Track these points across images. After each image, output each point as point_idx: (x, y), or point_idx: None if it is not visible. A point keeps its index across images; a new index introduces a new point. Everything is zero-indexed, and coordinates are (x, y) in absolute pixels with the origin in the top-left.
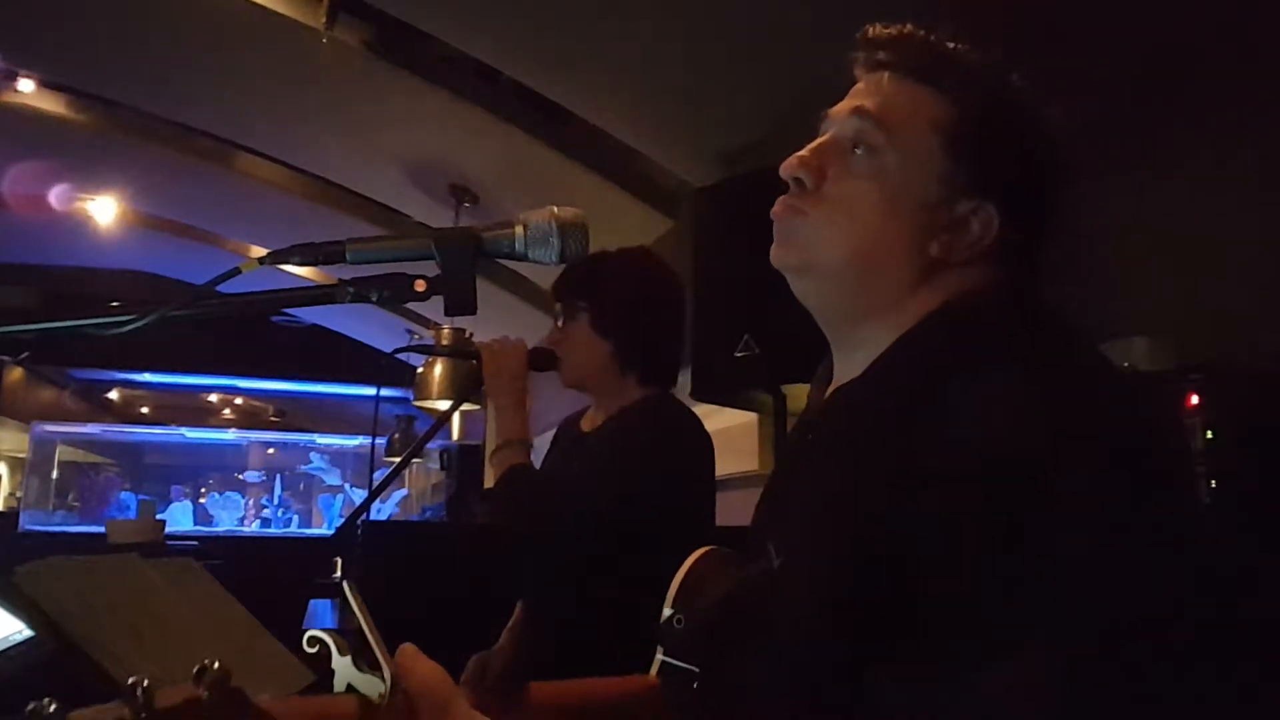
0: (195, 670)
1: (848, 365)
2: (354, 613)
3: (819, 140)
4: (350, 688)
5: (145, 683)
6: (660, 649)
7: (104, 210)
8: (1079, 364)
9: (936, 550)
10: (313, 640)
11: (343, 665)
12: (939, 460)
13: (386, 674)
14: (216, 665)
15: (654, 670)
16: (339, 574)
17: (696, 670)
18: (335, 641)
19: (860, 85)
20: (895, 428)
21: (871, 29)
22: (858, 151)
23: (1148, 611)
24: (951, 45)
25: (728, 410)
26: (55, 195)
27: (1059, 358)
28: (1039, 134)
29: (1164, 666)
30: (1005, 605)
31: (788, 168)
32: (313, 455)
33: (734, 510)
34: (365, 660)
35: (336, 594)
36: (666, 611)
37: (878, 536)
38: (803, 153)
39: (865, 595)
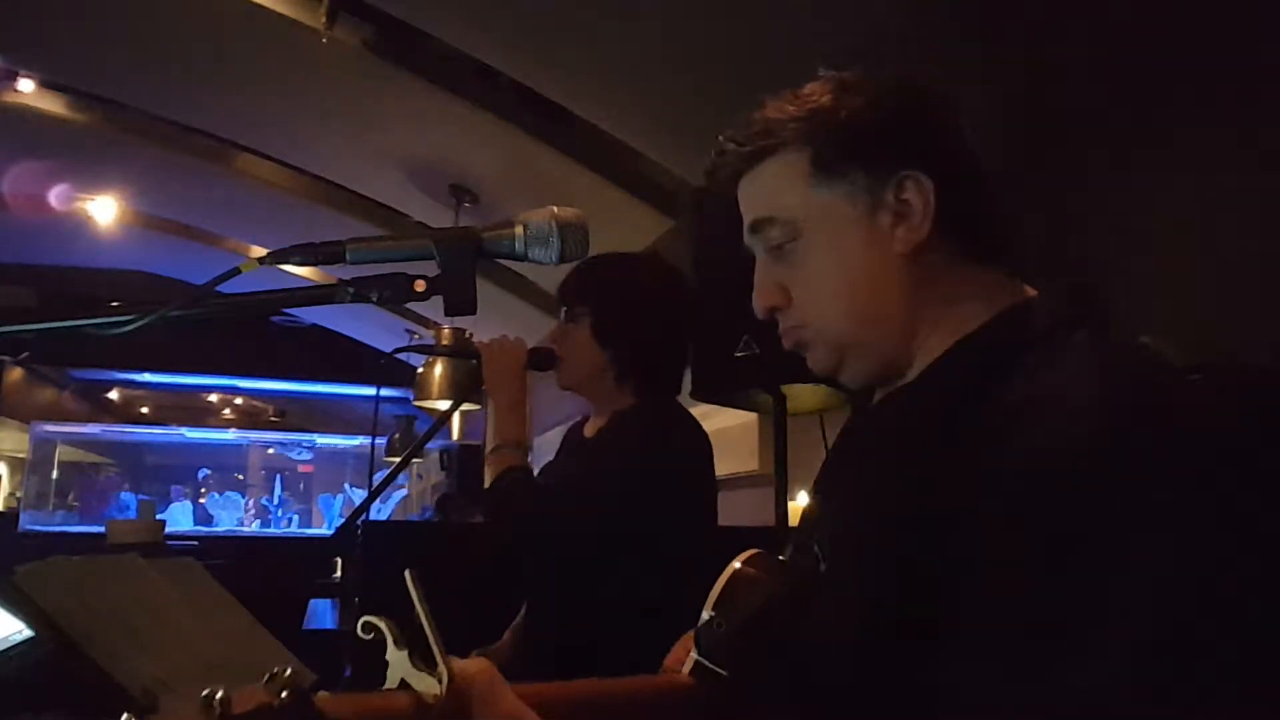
0: (266, 677)
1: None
2: (414, 604)
3: (758, 270)
4: (404, 683)
5: (220, 694)
6: (696, 649)
7: (104, 210)
8: (1143, 368)
9: (993, 555)
10: (368, 627)
11: (398, 659)
12: (998, 464)
13: (443, 673)
14: (289, 672)
15: (687, 669)
16: (401, 573)
17: (731, 675)
18: (391, 632)
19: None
20: (949, 432)
21: (713, 154)
22: (785, 248)
23: (1215, 622)
24: (769, 112)
25: (728, 410)
26: (55, 195)
27: (1121, 360)
28: (898, 98)
29: (1233, 681)
30: (1063, 614)
31: (760, 307)
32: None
33: (734, 510)
34: (421, 656)
35: (336, 594)
36: (707, 615)
37: (930, 540)
38: (755, 290)
39: (913, 600)
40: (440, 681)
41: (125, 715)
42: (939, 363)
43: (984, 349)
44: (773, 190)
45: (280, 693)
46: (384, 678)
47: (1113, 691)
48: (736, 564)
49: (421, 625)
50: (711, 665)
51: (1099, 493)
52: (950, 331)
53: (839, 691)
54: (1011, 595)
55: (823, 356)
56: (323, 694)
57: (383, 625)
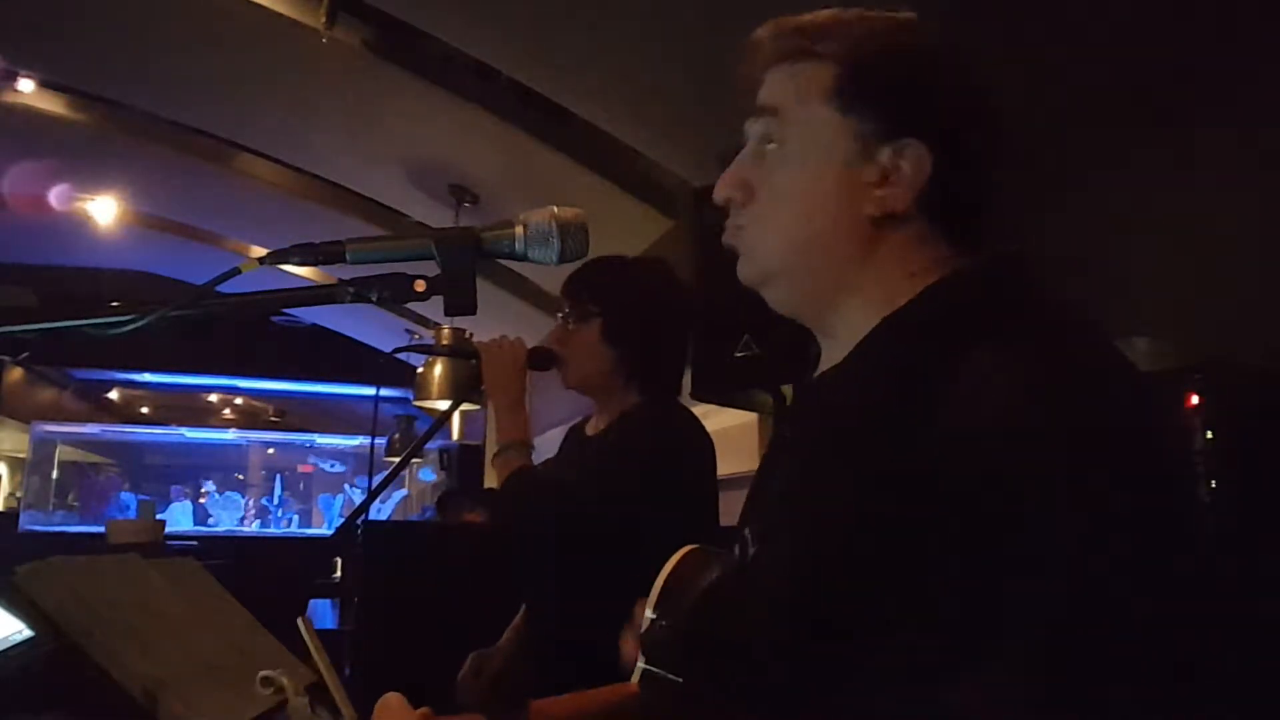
0: None
1: (830, 352)
2: (311, 653)
3: (736, 157)
4: None
5: None
6: (642, 656)
7: (104, 210)
8: (1076, 356)
9: (914, 545)
10: (266, 681)
11: (299, 708)
12: (922, 453)
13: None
14: None
15: (635, 678)
16: (335, 577)
17: (676, 679)
18: (289, 683)
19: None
20: (874, 416)
21: (751, 39)
22: (770, 148)
23: (1136, 616)
24: (825, 15)
25: (728, 410)
26: (55, 195)
27: (1054, 348)
28: (941, 63)
29: (1151, 671)
30: (982, 605)
31: (717, 193)
32: (313, 457)
33: (734, 510)
34: (325, 705)
35: (336, 594)
36: (649, 615)
37: (854, 525)
38: (723, 175)
39: (837, 583)
40: None
41: None
42: (866, 342)
43: (906, 330)
44: (787, 88)
45: None
46: (388, 679)
47: (1008, 697)
48: (674, 561)
49: (322, 674)
50: (656, 669)
51: (1016, 492)
52: (880, 302)
53: (769, 684)
54: (922, 592)
55: (750, 269)
56: None
57: (280, 678)
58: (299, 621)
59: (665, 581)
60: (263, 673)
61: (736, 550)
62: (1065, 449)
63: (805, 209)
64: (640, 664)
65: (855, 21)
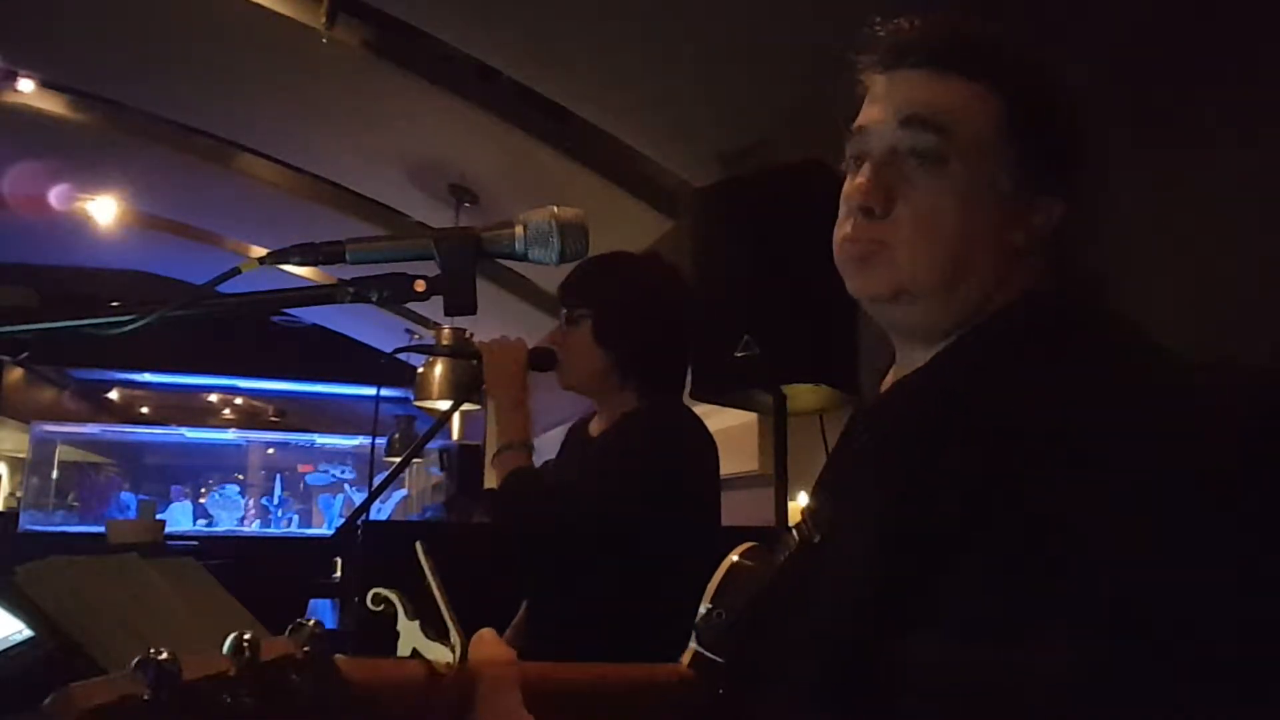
0: (289, 629)
1: (912, 359)
2: (426, 577)
3: (873, 162)
4: (415, 653)
5: (249, 637)
6: (696, 641)
7: (104, 210)
8: (1133, 358)
9: (970, 528)
10: (378, 598)
11: (410, 629)
12: (984, 445)
13: (456, 642)
14: (313, 622)
15: (686, 660)
16: (419, 551)
17: (730, 663)
18: (403, 603)
19: (885, 87)
20: (947, 416)
21: (889, 25)
22: (914, 162)
23: (1178, 601)
24: (980, 33)
25: (728, 410)
26: (55, 195)
27: (1115, 352)
28: (1078, 114)
29: (1189, 658)
30: (1035, 586)
31: (853, 197)
32: (321, 463)
33: (735, 510)
34: (434, 628)
35: (336, 594)
36: (705, 607)
37: (919, 515)
38: (862, 180)
39: (902, 569)
40: (454, 650)
41: (140, 659)
42: (946, 352)
43: (978, 343)
44: (959, 109)
45: (304, 645)
46: None
47: (1074, 673)
48: (734, 556)
49: (434, 598)
50: (711, 655)
51: (1069, 481)
52: (971, 313)
53: (828, 664)
54: (986, 576)
55: (883, 285)
56: (339, 655)
57: (393, 596)
58: (416, 544)
59: (724, 576)
60: (375, 590)
61: (797, 538)
62: (1105, 452)
63: (965, 241)
64: (693, 646)
65: (1021, 53)
